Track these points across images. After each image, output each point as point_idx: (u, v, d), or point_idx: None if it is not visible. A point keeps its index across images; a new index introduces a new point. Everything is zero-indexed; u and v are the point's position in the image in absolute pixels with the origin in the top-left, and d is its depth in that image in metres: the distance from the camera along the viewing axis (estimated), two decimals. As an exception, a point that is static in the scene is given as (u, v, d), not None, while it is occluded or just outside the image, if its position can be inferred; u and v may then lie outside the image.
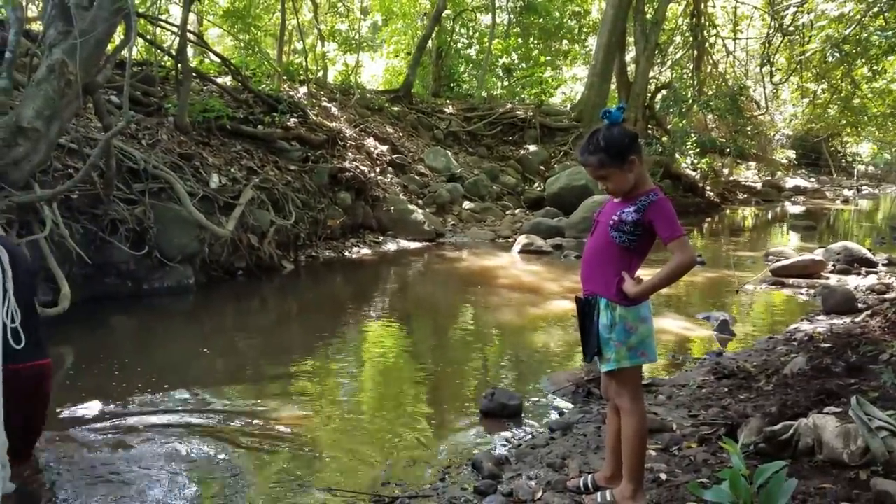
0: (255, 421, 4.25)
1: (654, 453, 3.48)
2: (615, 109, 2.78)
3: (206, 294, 7.90)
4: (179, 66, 10.01)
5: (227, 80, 12.64)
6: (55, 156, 7.13)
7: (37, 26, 9.92)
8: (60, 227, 6.64)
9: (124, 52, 8.16)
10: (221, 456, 3.75)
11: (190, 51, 11.69)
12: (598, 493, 3.00)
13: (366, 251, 11.08)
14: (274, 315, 7.70)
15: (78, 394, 4.62)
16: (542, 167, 18.28)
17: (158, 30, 12.33)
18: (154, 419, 4.24)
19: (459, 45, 23.77)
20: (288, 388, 4.90)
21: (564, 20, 24.74)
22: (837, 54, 19.78)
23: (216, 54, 13.07)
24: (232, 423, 4.22)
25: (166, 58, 11.56)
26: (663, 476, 3.20)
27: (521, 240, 11.65)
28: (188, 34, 10.60)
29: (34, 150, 6.38)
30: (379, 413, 4.56)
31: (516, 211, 15.34)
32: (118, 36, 8.21)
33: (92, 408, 4.36)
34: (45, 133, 6.42)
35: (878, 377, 4.18)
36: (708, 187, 21.73)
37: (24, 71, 7.47)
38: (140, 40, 11.23)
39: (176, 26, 10.45)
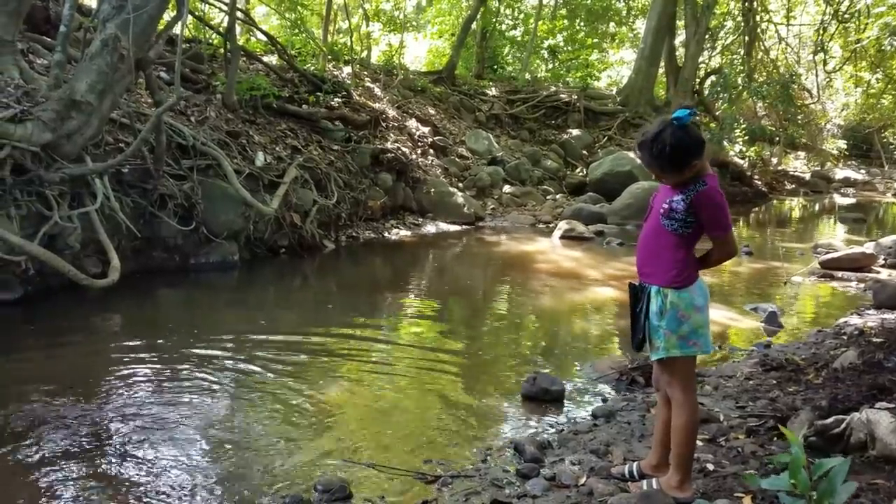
0: (299, 397, 4.30)
1: (700, 444, 3.42)
2: (686, 113, 2.68)
3: (250, 271, 8.01)
4: (228, 43, 10.09)
5: (273, 59, 12.73)
6: (107, 130, 7.25)
7: (90, 1, 10.07)
8: (111, 201, 6.77)
9: (175, 29, 8.24)
10: (263, 430, 3.80)
11: (238, 29, 11.77)
12: (644, 482, 2.97)
13: (405, 233, 11.10)
14: (315, 293, 7.77)
15: (120, 361, 4.73)
16: (584, 152, 18.08)
17: (207, 7, 12.42)
18: (192, 391, 4.31)
19: (504, 27, 23.57)
20: (330, 365, 4.94)
21: (612, 2, 24.34)
22: (894, 43, 19.17)
23: (263, 33, 13.15)
24: (275, 399, 4.27)
25: (215, 35, 11.67)
26: (710, 466, 3.16)
27: (562, 225, 11.56)
28: (237, 12, 10.67)
29: (87, 124, 6.50)
30: (418, 394, 4.57)
31: (557, 196, 15.21)
32: (169, 13, 8.28)
33: (140, 374, 4.46)
34: (98, 107, 6.53)
35: (934, 374, 4.05)
36: (756, 176, 21.29)
37: (78, 45, 7.59)
38: (190, 17, 11.35)
39: (225, 4, 10.52)
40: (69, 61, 7.39)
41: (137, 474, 3.27)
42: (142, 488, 3.15)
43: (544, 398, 4.33)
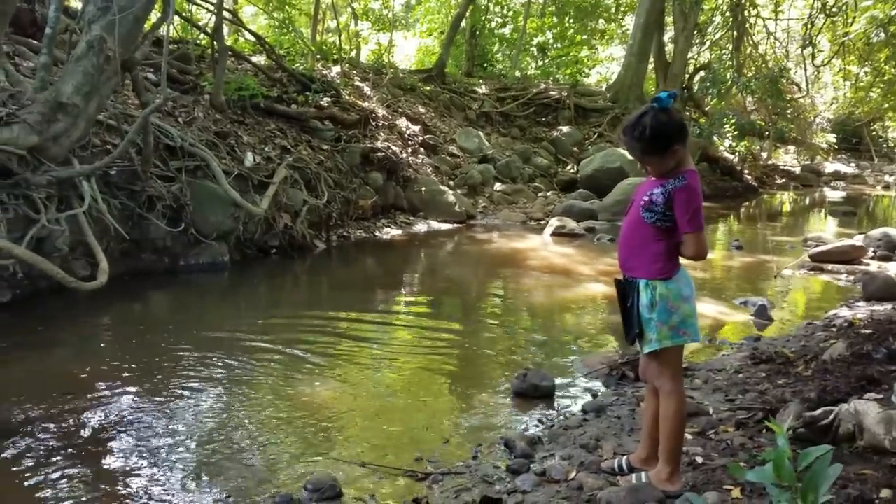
0: (287, 396, 4.29)
1: (690, 437, 3.43)
2: (666, 95, 2.71)
3: (241, 271, 7.98)
4: (215, 44, 10.06)
5: (261, 59, 12.69)
6: (94, 132, 7.22)
7: (76, 2, 10.02)
8: (99, 203, 6.73)
9: (162, 30, 8.21)
10: (253, 430, 3.80)
11: (225, 29, 11.73)
12: (633, 475, 2.98)
13: (396, 232, 11.09)
14: (306, 293, 7.76)
15: (112, 364, 4.71)
16: (575, 149, 18.08)
17: (194, 7, 12.37)
18: (184, 392, 4.30)
19: (493, 24, 23.55)
20: (320, 364, 4.93)
21: (601, -1, 24.37)
22: (882, 35, 19.27)
23: (251, 32, 13.12)
24: (266, 399, 4.27)
25: (202, 36, 11.63)
26: (699, 459, 3.17)
27: (553, 222, 11.56)
28: (224, 12, 10.63)
29: (73, 126, 6.46)
30: (409, 391, 4.57)
31: (548, 193, 15.22)
32: (155, 13, 8.25)
33: (129, 375, 4.45)
34: (84, 109, 6.50)
35: (921, 364, 4.08)
36: (746, 171, 21.36)
37: (64, 47, 7.55)
38: (176, 18, 11.31)
39: (212, 4, 10.49)
40: (55, 63, 7.35)
41: (126, 475, 3.26)
42: (130, 489, 3.14)
43: (535, 394, 4.33)
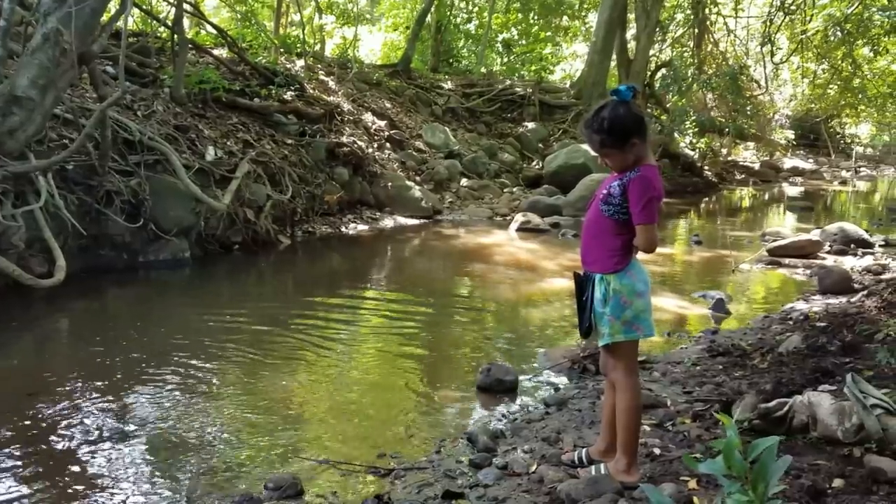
0: (250, 393, 4.26)
1: (648, 429, 3.49)
2: (625, 88, 2.73)
3: (203, 268, 7.88)
4: (175, 36, 9.90)
5: (223, 52, 12.50)
6: (50, 126, 7.06)
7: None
8: (55, 198, 6.60)
9: (119, 22, 8.05)
10: (214, 427, 3.76)
11: (186, 21, 11.56)
12: (592, 467, 3.02)
13: (363, 227, 11.05)
14: (270, 289, 7.69)
15: (73, 363, 4.63)
16: (540, 145, 18.18)
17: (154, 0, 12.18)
18: (146, 390, 4.25)
19: (459, 20, 23.55)
20: (283, 361, 4.89)
21: (565, -5, 24.51)
22: (839, 33, 19.69)
23: (213, 25, 12.92)
24: (227, 396, 4.23)
25: (162, 28, 11.43)
26: (657, 451, 3.22)
27: (519, 218, 11.63)
28: (184, 4, 10.46)
29: (29, 120, 6.32)
30: (374, 387, 4.56)
31: (514, 189, 15.28)
32: (113, 6, 8.08)
33: (86, 376, 4.37)
34: (40, 102, 6.36)
35: (873, 356, 4.19)
36: (706, 167, 21.66)
37: (19, 39, 7.37)
38: (136, 10, 11.10)
39: (172, -4, 10.32)
40: (10, 56, 7.17)
41: (84, 474, 3.21)
42: (86, 488, 3.09)
43: (498, 388, 4.36)
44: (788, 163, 29.29)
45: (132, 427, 3.74)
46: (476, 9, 23.91)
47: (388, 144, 14.15)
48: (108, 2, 7.18)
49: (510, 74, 22.57)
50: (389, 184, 12.30)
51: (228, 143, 9.47)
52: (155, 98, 9.18)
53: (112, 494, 3.06)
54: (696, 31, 22.19)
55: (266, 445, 3.59)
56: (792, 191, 22.26)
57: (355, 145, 11.97)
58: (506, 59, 24.32)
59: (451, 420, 4.00)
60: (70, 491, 3.08)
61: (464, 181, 14.76)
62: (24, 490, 3.07)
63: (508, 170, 16.48)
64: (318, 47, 17.37)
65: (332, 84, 14.88)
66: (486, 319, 6.40)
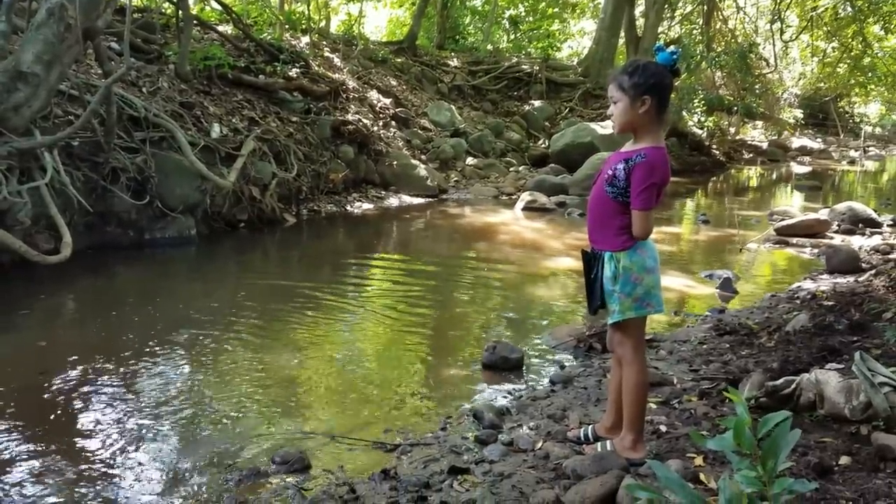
0: (257, 369, 4.27)
1: (654, 406, 3.49)
2: (667, 52, 2.72)
3: (209, 245, 7.89)
4: (180, 12, 9.83)
5: (228, 29, 12.44)
6: (55, 102, 7.04)
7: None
8: (61, 175, 6.59)
9: (124, -3, 8.00)
10: (221, 403, 3.78)
11: (191, -2, 11.46)
12: (598, 443, 3.02)
13: (368, 206, 11.02)
14: (275, 267, 7.69)
15: (81, 340, 4.64)
16: (547, 123, 18.08)
17: (159, -24, 12.08)
18: (153, 367, 4.27)
19: (465, -4, 23.32)
20: (290, 337, 4.91)
21: (573, -28, 24.24)
22: (850, 10, 19.45)
23: (218, 1, 12.81)
24: (234, 371, 4.24)
25: (167, 4, 11.36)
26: (663, 428, 3.22)
27: (525, 197, 11.58)
28: (189, -20, 10.38)
29: (34, 96, 6.30)
30: (380, 363, 4.58)
31: (520, 168, 15.22)
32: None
33: (94, 353, 4.39)
34: (45, 78, 6.33)
35: (881, 335, 4.17)
36: (714, 146, 21.53)
37: (23, 15, 7.32)
38: (140, -14, 11.03)
39: (176, -28, 10.23)
40: (14, 32, 7.14)
41: (93, 451, 3.23)
42: (95, 464, 3.11)
43: (504, 366, 4.36)
44: (797, 142, 29.09)
45: (141, 403, 3.76)
46: (483, -15, 23.69)
47: (393, 122, 14.09)
48: (112, -24, 7.12)
49: (517, 52, 22.39)
50: (395, 162, 12.25)
51: (234, 120, 9.43)
52: (160, 74, 9.13)
53: (122, 469, 3.08)
54: (706, 7, 21.93)
55: (273, 420, 3.60)
56: (800, 170, 22.12)
57: (360, 123, 11.92)
58: (512, 36, 24.11)
59: (456, 397, 4.00)
60: (82, 467, 3.10)
61: (469, 160, 14.70)
62: (37, 466, 3.09)
63: (514, 148, 16.40)
64: (323, 24, 17.27)
65: (337, 61, 14.79)
66: (492, 298, 6.39)
